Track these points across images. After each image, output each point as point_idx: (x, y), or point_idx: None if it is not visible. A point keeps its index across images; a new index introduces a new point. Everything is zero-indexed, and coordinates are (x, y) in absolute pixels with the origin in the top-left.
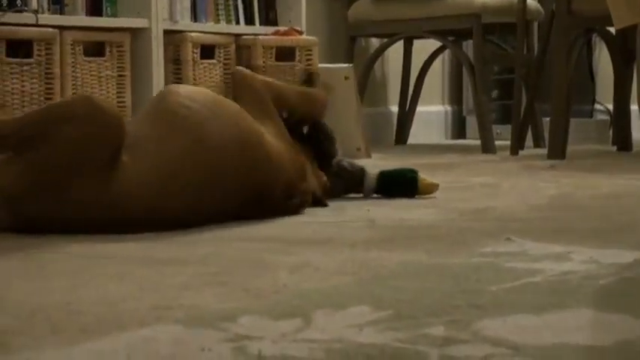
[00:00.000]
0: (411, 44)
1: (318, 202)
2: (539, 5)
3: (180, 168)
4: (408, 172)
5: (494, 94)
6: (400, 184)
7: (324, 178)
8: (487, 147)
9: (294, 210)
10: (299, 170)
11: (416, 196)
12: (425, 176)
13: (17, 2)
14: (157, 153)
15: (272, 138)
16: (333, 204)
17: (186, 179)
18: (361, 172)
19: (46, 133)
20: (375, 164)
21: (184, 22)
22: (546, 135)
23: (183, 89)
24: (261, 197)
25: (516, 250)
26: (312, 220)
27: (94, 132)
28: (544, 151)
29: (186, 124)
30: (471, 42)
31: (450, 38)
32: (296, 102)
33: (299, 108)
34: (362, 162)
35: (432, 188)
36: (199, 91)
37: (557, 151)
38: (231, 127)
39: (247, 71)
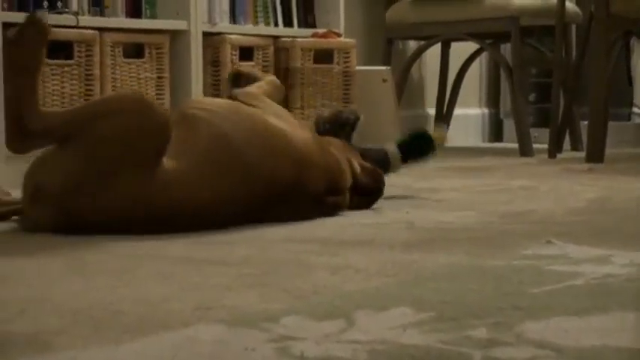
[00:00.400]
0: (449, 47)
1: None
2: (577, 8)
3: (207, 168)
4: (423, 133)
5: (532, 97)
6: (419, 146)
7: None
8: (525, 150)
9: (332, 209)
10: (335, 166)
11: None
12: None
13: (58, 4)
14: (184, 154)
15: (302, 139)
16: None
17: (213, 178)
18: (384, 152)
19: (94, 126)
20: (412, 167)
21: (223, 25)
22: (584, 138)
23: (201, 97)
24: (296, 194)
25: (557, 253)
26: (352, 221)
27: (142, 127)
28: (582, 154)
29: (205, 124)
30: (508, 44)
31: (488, 41)
32: (275, 95)
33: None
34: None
35: (443, 137)
36: (216, 99)
37: (596, 155)
38: (251, 126)
39: (245, 91)
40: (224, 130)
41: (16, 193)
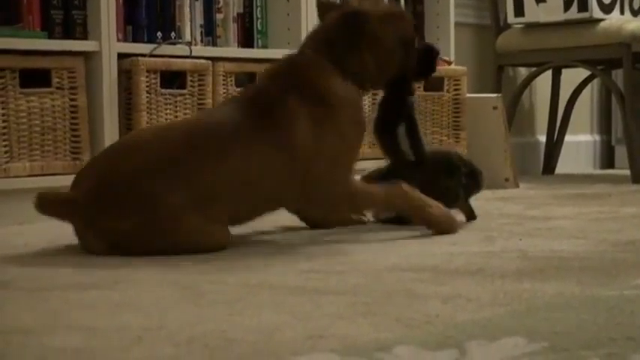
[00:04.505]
0: (560, 73)
1: None
2: None
3: None
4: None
5: None
6: None
7: None
8: (636, 177)
9: None
10: None
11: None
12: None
13: (171, 34)
14: None
15: None
16: (481, 234)
17: None
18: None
19: None
20: (523, 194)
21: None
22: None
23: None
24: None
25: None
26: (462, 250)
27: None
28: None
29: None
30: (620, 70)
31: (599, 67)
32: None
33: None
34: (510, 192)
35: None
36: None
37: None
38: None
39: None
40: None
41: None
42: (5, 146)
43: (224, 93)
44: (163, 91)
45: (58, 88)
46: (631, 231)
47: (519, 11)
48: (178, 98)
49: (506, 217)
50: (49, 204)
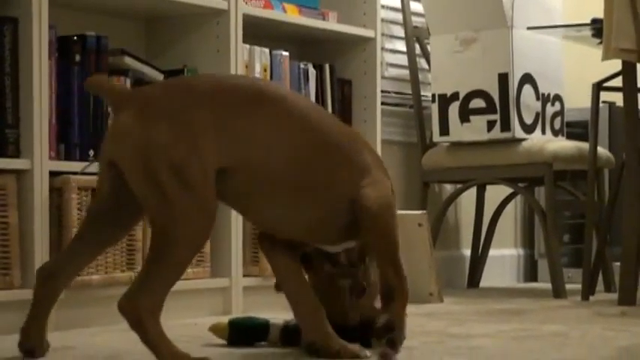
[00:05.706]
0: (484, 190)
1: None
2: (610, 154)
3: None
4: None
5: (566, 238)
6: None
7: None
8: (558, 292)
9: None
10: None
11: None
12: None
13: None
14: None
15: None
16: (402, 353)
17: None
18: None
19: None
20: (447, 310)
21: None
22: (617, 280)
23: None
24: None
25: None
26: None
27: None
28: (615, 296)
29: None
30: (542, 187)
31: (522, 184)
32: None
33: None
34: (434, 307)
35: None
36: None
37: (628, 297)
38: None
39: None
40: None
41: None
42: None
43: None
44: None
45: None
46: (549, 352)
47: (444, 130)
48: None
49: (429, 334)
50: (104, 85)
